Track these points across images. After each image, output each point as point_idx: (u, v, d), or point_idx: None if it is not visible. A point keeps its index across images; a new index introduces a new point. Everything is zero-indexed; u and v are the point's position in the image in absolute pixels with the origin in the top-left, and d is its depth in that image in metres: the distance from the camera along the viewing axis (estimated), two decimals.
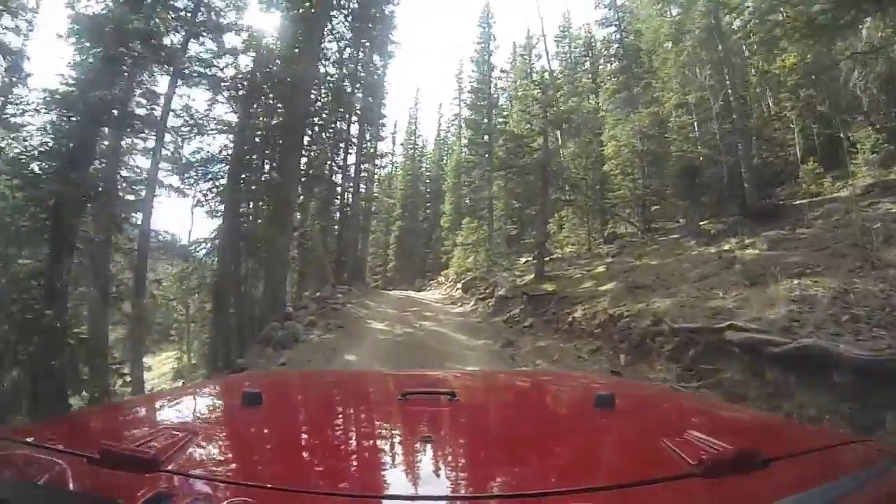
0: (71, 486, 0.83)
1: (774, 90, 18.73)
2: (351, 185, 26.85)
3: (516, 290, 16.08)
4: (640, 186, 20.68)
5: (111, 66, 10.40)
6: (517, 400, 1.78)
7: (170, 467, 0.83)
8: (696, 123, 17.05)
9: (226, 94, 14.64)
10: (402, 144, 44.14)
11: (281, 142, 17.25)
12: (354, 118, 27.73)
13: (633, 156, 21.23)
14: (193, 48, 14.79)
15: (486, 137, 23.49)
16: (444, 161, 42.28)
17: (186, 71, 13.71)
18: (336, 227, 27.08)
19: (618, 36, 25.34)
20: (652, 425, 1.35)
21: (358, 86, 24.38)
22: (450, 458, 1.07)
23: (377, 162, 31.70)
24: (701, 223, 16.61)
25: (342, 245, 26.65)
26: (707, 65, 16.30)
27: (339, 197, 27.38)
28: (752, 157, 16.14)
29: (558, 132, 16.98)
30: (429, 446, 1.07)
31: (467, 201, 29.37)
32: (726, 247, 13.55)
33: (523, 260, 22.01)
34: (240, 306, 15.90)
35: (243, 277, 15.72)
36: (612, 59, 25.34)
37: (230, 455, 1.08)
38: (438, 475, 0.98)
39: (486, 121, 23.82)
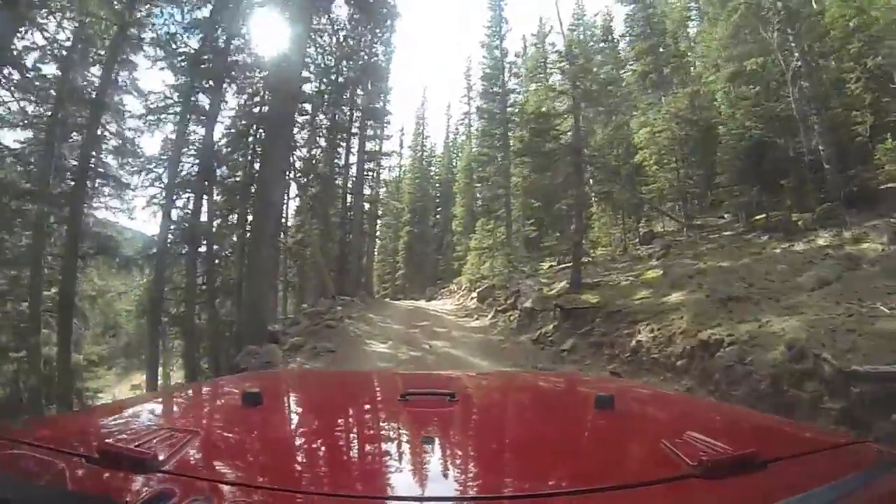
0: (70, 485, 0.79)
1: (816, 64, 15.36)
2: (352, 182, 23.67)
3: (546, 302, 12.75)
4: (680, 177, 17.31)
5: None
6: (517, 400, 1.68)
7: (169, 467, 0.79)
8: (757, 94, 13.59)
9: (187, 72, 11.51)
10: (409, 147, 41.10)
11: (263, 131, 14.08)
12: (357, 113, 24.66)
13: (670, 143, 17.89)
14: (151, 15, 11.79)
15: (498, 131, 20.17)
16: (454, 163, 39.15)
17: (135, 39, 10.60)
18: (338, 231, 23.94)
19: (643, 14, 22.05)
20: (651, 426, 1.31)
21: (358, 73, 21.12)
22: (450, 458, 1.01)
23: (382, 162, 28.61)
24: (767, 214, 13.22)
25: (345, 252, 23.48)
26: (775, 21, 12.89)
27: (340, 199, 24.26)
28: (833, 130, 12.68)
29: (589, 112, 13.61)
30: (429, 447, 1.00)
31: (479, 203, 26.12)
32: (822, 241, 10.17)
33: (547, 265, 18.67)
34: (212, 325, 12.73)
35: (215, 290, 12.54)
36: (638, 38, 22.01)
37: (230, 455, 1.02)
38: (439, 476, 0.92)
39: (500, 110, 20.55)
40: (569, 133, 13.00)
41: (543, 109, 13.61)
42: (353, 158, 25.07)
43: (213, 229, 12.73)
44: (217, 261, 15.18)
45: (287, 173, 14.65)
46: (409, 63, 71.67)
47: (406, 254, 36.06)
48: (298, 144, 22.56)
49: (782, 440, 1.15)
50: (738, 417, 1.57)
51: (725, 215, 17.60)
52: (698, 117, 17.43)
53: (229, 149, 15.17)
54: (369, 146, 25.95)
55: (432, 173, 40.99)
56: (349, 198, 24.68)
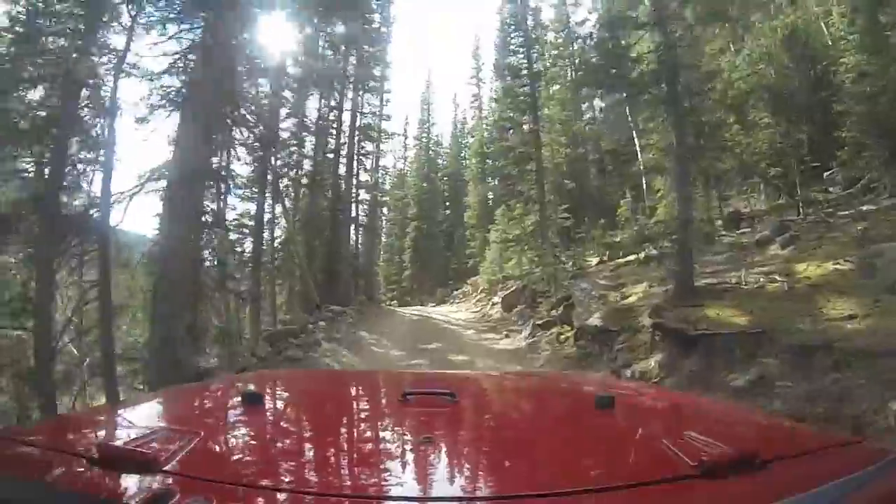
0: (71, 486, 0.76)
1: None
2: (344, 159, 18.81)
3: (625, 318, 7.72)
4: (779, 136, 12.18)
5: None
6: (517, 400, 1.62)
7: (170, 467, 0.75)
8: None
9: None
10: (415, 138, 36.01)
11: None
12: (350, 78, 19.73)
13: (759, 91, 12.78)
14: None
15: (524, 89, 15.11)
16: (463, 154, 34.10)
17: None
18: (328, 225, 19.02)
19: None
20: (651, 426, 1.23)
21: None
22: (451, 458, 0.95)
23: (382, 146, 23.61)
24: None
25: (335, 250, 18.56)
26: None
27: (331, 186, 19.36)
28: None
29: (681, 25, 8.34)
30: (429, 447, 0.94)
31: (498, 189, 21.01)
32: None
33: (595, 261, 13.60)
34: (106, 362, 7.93)
35: (110, 308, 7.69)
36: None
37: (231, 455, 0.97)
38: (439, 476, 0.87)
39: (524, 63, 15.52)
40: (656, 54, 7.89)
41: (624, 12, 8.41)
42: (344, 139, 20.24)
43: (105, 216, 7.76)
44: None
45: (219, 135, 9.65)
46: (413, 49, 66.52)
47: (413, 252, 31.01)
48: (281, 124, 17.87)
49: (782, 440, 1.10)
50: (738, 417, 1.46)
51: (832, 188, 12.53)
52: (803, 55, 12.32)
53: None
54: (366, 121, 21.09)
55: (440, 164, 35.85)
56: (342, 185, 19.80)
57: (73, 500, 0.71)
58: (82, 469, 0.77)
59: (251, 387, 1.29)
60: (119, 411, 1.30)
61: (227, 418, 1.21)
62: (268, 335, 10.94)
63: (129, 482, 0.72)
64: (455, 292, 24.21)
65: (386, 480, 0.85)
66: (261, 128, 15.02)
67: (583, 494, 0.74)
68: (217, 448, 0.96)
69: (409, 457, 0.95)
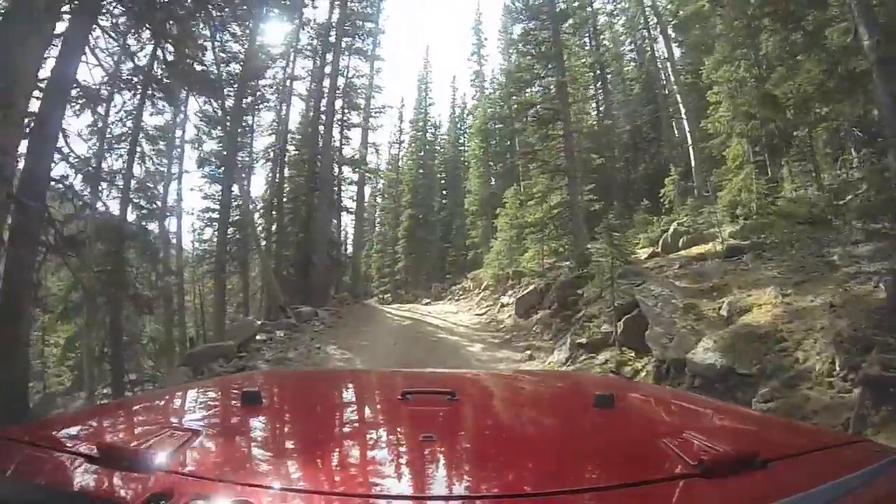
0: (70, 485, 0.74)
1: None
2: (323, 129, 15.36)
3: (765, 351, 4.33)
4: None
5: None
6: (517, 399, 1.54)
7: (169, 467, 0.73)
8: None
9: None
10: (410, 121, 32.29)
11: None
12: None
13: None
14: None
15: (545, 33, 11.61)
16: (462, 140, 30.55)
17: None
18: (303, 210, 15.50)
19: None
20: (651, 425, 1.19)
21: None
22: (450, 457, 0.90)
23: (372, 119, 20.08)
24: None
25: (311, 237, 15.05)
26: None
27: (306, 164, 15.84)
28: None
29: None
30: (429, 446, 0.89)
31: (493, 182, 17.52)
32: None
33: (645, 253, 10.16)
34: None
35: None
36: None
37: (230, 455, 0.93)
38: (438, 475, 0.82)
39: (547, 4, 12.03)
40: None
41: None
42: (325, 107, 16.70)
43: None
44: None
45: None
46: (410, 21, 62.56)
47: (407, 242, 27.44)
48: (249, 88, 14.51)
49: (782, 439, 1.07)
50: (738, 417, 1.39)
51: None
52: None
53: None
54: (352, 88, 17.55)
55: (437, 150, 32.17)
56: (320, 160, 16.25)
57: (72, 500, 0.69)
58: (82, 469, 0.75)
59: (251, 386, 1.22)
60: (119, 411, 1.23)
61: (227, 418, 1.18)
62: (190, 355, 7.50)
63: (130, 481, 0.70)
64: (453, 287, 20.78)
65: (385, 479, 0.82)
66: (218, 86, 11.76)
67: (582, 493, 0.72)
68: (217, 448, 0.94)
69: (409, 456, 0.92)
